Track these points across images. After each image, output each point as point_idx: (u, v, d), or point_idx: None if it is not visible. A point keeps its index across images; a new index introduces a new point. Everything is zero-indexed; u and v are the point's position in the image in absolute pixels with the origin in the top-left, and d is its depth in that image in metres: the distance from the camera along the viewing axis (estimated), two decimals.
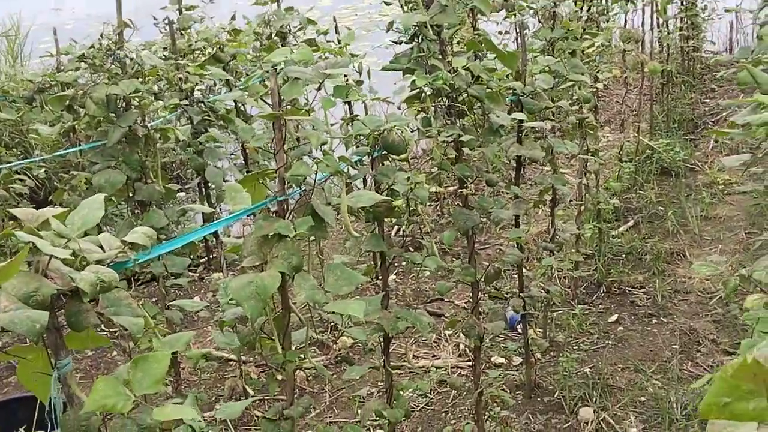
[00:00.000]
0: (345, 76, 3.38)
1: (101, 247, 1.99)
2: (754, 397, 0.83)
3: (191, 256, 6.19)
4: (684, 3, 8.98)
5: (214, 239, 5.92)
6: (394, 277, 5.69)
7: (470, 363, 4.43)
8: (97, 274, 1.80)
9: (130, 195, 4.09)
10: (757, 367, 0.83)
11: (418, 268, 5.80)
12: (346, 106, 5.88)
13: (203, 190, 5.81)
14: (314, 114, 2.80)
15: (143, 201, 4.02)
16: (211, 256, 6.12)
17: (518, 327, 4.67)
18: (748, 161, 2.77)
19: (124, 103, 3.83)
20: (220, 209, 6.09)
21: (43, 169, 6.17)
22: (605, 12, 8.23)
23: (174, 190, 4.48)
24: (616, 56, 8.69)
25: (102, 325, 3.97)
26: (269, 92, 2.59)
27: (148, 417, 1.83)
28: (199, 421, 2.02)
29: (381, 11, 13.58)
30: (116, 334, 4.99)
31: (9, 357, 1.94)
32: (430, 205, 6.73)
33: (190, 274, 5.74)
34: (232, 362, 4.65)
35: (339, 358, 4.54)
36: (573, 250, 5.04)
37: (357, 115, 3.05)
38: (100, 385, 1.71)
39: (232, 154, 7.31)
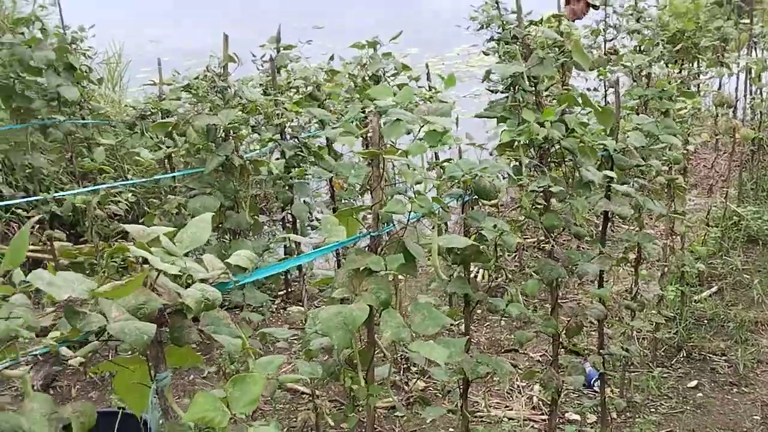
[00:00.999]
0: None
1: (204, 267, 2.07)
2: None
3: (271, 289, 6.30)
4: None
5: (297, 271, 6.00)
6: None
7: (543, 416, 4.38)
8: (202, 292, 1.87)
9: (221, 223, 4.22)
10: None
11: (496, 317, 5.79)
12: (432, 153, 5.94)
13: (287, 224, 5.92)
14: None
15: (233, 229, 4.14)
16: (289, 290, 6.20)
17: (594, 384, 4.60)
18: None
19: (223, 133, 3.98)
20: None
21: (131, 194, 6.38)
22: (698, 75, 8.18)
23: (261, 223, 4.60)
24: (707, 120, 8.60)
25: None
26: (370, 131, 2.66)
27: None
28: None
29: (468, 62, 13.73)
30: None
31: (112, 366, 2.02)
32: (510, 255, 6.72)
33: (269, 304, 5.82)
34: (304, 395, 4.70)
35: (412, 400, 4.54)
36: (654, 312, 4.96)
37: (450, 159, 3.10)
38: (200, 400, 1.77)
39: (314, 191, 7.43)
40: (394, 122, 2.61)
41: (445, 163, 3.02)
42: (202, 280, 1.97)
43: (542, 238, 3.70)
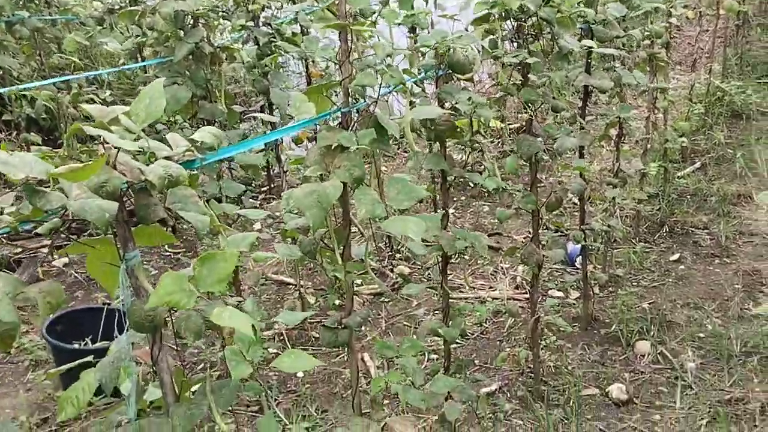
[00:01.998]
0: None
1: (169, 146, 2.02)
2: None
3: (252, 184, 6.27)
4: None
5: (276, 166, 5.95)
6: (453, 210, 5.68)
7: (526, 295, 4.42)
8: (165, 168, 1.82)
9: (195, 113, 4.14)
10: None
11: (479, 203, 5.79)
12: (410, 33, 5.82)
13: (266, 113, 5.84)
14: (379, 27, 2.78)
15: (208, 120, 4.07)
16: (272, 185, 6.17)
17: (577, 262, 4.63)
18: None
19: (191, 20, 3.85)
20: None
21: (109, 93, 6.25)
22: None
23: (237, 112, 4.51)
24: None
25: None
26: (336, 2, 2.57)
27: (212, 311, 1.86)
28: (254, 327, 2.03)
29: None
30: (178, 254, 5.11)
31: (82, 248, 1.98)
32: (492, 142, 6.68)
33: (251, 201, 5.80)
34: (290, 286, 4.72)
35: (397, 286, 4.56)
36: (637, 188, 4.96)
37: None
38: (166, 281, 1.73)
39: (295, 87, 7.29)
40: None
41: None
42: (166, 158, 1.93)
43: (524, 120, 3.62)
